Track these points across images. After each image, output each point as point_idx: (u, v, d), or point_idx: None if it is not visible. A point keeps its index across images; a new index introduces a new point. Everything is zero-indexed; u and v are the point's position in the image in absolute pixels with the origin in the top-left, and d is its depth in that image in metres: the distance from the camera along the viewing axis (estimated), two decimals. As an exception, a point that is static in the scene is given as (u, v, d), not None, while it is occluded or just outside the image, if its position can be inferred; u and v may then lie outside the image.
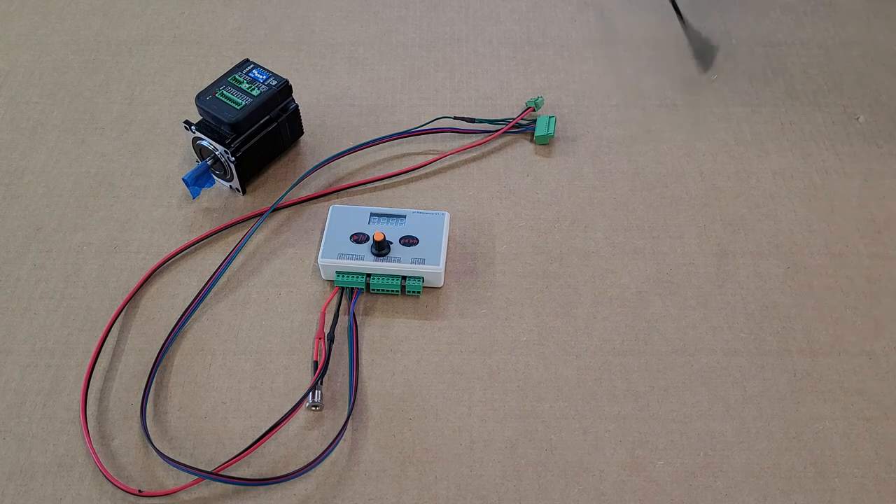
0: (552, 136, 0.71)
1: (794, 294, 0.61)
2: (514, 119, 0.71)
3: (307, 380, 0.57)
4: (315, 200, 0.67)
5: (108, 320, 0.58)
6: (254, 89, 0.64)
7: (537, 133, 0.70)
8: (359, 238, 0.60)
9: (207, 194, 0.67)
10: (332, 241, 0.60)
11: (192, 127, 0.63)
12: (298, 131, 0.70)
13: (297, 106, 0.67)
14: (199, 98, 0.63)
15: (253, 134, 0.64)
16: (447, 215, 0.62)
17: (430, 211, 0.62)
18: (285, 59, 0.79)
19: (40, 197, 0.67)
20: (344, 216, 0.62)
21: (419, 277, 0.60)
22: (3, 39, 0.80)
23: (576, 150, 0.71)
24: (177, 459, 0.52)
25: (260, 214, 0.65)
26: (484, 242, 0.64)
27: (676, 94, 0.76)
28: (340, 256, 0.59)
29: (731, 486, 0.52)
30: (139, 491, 0.51)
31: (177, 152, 0.70)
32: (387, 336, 0.59)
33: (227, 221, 0.65)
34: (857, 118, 0.74)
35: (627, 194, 0.67)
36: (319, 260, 0.60)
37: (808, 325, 0.59)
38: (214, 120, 0.62)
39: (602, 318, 0.60)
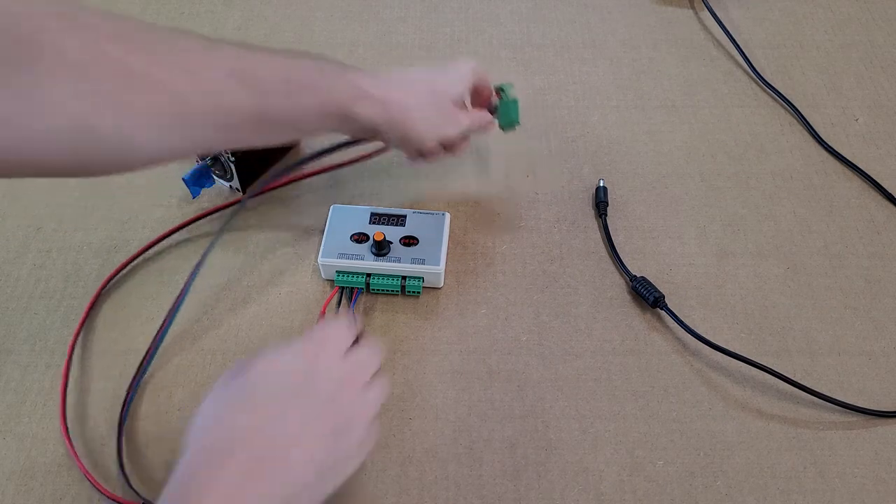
0: (518, 124, 0.65)
1: (794, 294, 0.61)
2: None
3: (307, 380, 0.57)
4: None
5: (70, 340, 0.58)
6: None
7: (501, 121, 0.64)
8: (359, 238, 0.60)
9: (207, 194, 0.67)
10: (332, 241, 0.60)
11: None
12: None
13: None
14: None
15: None
16: (448, 216, 0.62)
17: (430, 211, 0.63)
18: (285, 60, 0.78)
19: (40, 197, 0.67)
20: (344, 216, 0.62)
21: (419, 277, 0.60)
22: (2, 39, 0.80)
23: (576, 151, 0.71)
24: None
25: (234, 204, 0.65)
26: (484, 242, 0.64)
27: (676, 94, 0.76)
28: (340, 256, 0.59)
29: (731, 486, 0.52)
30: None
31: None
32: (387, 336, 0.59)
33: (202, 211, 0.65)
34: (856, 119, 0.74)
35: (627, 194, 0.68)
36: (319, 259, 0.60)
37: (807, 326, 0.60)
38: None
39: (602, 319, 0.60)
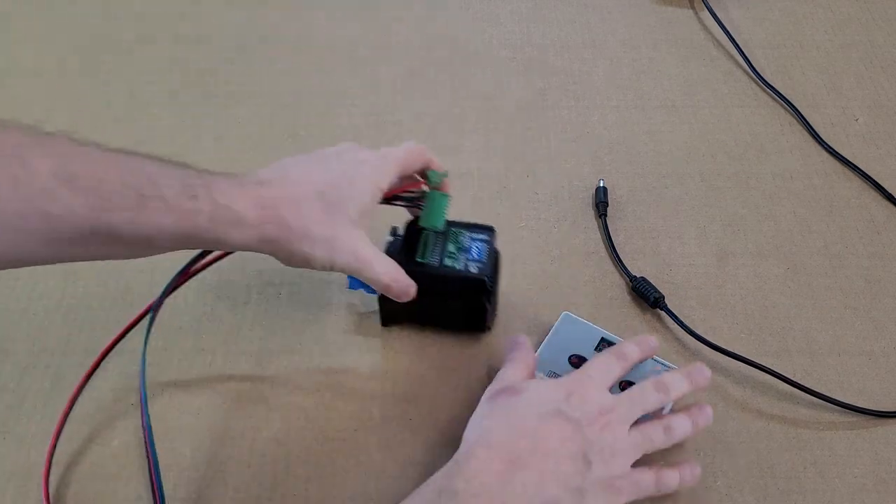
0: (440, 229, 0.54)
1: (794, 294, 0.61)
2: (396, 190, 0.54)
3: (307, 381, 0.56)
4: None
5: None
6: (453, 260, 0.53)
7: (425, 221, 0.54)
8: (578, 363, 0.55)
9: (359, 296, 0.60)
10: (549, 353, 0.56)
11: (397, 230, 0.56)
12: (479, 325, 0.57)
13: (486, 307, 0.55)
14: (413, 222, 0.55)
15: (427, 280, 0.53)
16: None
17: (666, 363, 0.55)
18: (285, 59, 0.79)
19: (40, 197, 0.67)
20: (572, 329, 0.57)
21: None
22: (3, 39, 0.80)
23: (576, 151, 0.71)
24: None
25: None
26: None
27: (676, 94, 0.76)
28: (551, 375, 0.54)
29: (731, 486, 0.52)
30: None
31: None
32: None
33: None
34: (856, 119, 0.74)
35: (627, 194, 0.68)
36: None
37: (807, 326, 0.60)
38: (399, 245, 0.55)
39: (602, 319, 0.60)
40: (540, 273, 0.62)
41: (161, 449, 0.53)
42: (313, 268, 0.49)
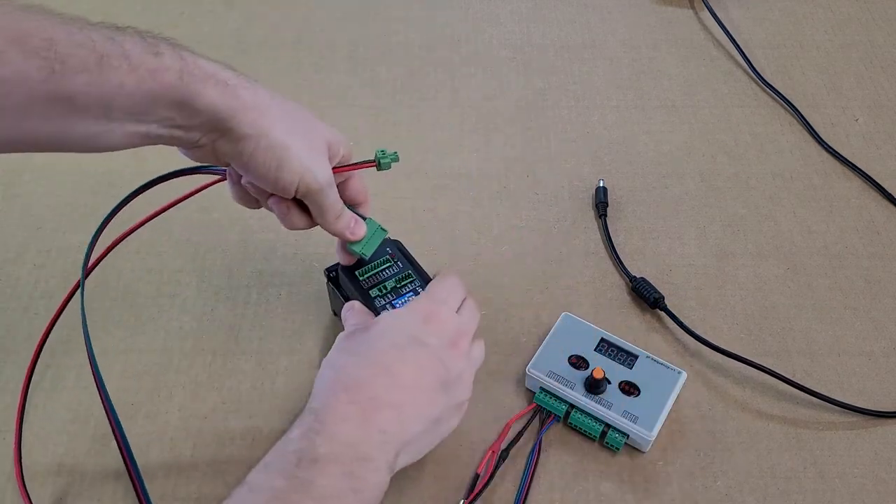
0: (366, 258, 0.52)
1: (794, 294, 0.61)
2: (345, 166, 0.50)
3: (307, 381, 0.56)
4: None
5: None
6: (380, 294, 0.52)
7: (356, 245, 0.50)
8: (577, 363, 0.54)
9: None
10: (548, 353, 0.55)
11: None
12: None
13: None
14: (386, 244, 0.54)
15: (349, 287, 0.53)
16: (683, 376, 0.54)
17: (666, 363, 0.54)
18: (285, 59, 0.79)
19: (40, 197, 0.67)
20: (572, 329, 0.56)
21: (625, 433, 0.52)
22: (2, 39, 0.80)
23: (576, 151, 0.71)
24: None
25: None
26: (484, 243, 0.64)
27: (676, 94, 0.76)
28: (550, 375, 0.53)
29: (731, 486, 0.52)
30: None
31: (176, 151, 0.70)
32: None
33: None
34: (856, 119, 0.74)
35: (627, 194, 0.68)
36: (529, 369, 0.54)
37: (807, 326, 0.60)
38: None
39: (602, 319, 0.60)
40: (540, 273, 0.62)
41: (161, 449, 0.53)
42: (284, 165, 0.44)
